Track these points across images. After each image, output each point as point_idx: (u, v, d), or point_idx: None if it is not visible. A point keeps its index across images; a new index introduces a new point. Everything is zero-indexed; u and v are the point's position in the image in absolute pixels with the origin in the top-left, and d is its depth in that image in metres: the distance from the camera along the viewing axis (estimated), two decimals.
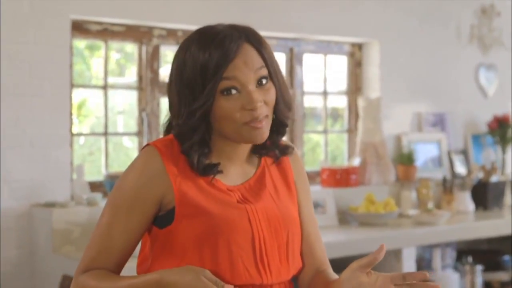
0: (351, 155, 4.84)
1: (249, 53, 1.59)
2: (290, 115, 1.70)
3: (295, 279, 1.75)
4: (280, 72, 1.66)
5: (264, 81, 1.60)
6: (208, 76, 1.56)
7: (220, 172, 1.64)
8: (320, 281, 1.72)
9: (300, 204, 1.75)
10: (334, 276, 1.72)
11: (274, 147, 1.72)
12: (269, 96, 1.61)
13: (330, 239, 3.84)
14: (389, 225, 4.18)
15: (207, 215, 1.59)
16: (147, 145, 1.66)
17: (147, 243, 1.67)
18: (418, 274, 1.53)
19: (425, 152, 4.93)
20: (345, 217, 4.30)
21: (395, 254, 3.98)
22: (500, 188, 4.88)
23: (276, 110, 1.65)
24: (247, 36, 1.60)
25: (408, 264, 4.00)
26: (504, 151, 5.20)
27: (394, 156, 4.76)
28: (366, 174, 4.56)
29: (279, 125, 1.69)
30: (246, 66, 1.58)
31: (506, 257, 4.67)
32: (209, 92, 1.56)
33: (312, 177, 4.65)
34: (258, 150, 1.72)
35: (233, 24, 1.63)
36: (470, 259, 4.49)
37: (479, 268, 4.44)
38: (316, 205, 4.20)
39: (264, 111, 1.60)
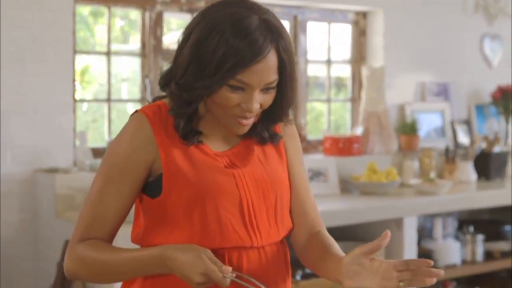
0: (354, 124, 4.84)
1: (270, 64, 1.57)
2: (288, 117, 1.72)
3: (288, 239, 1.77)
4: (294, 75, 1.64)
5: (269, 89, 1.61)
6: (224, 68, 1.55)
7: (200, 141, 1.65)
8: (316, 244, 1.72)
9: (290, 164, 1.76)
10: (330, 239, 1.73)
11: (265, 130, 1.72)
12: (267, 100, 1.62)
13: (331, 208, 3.86)
14: (390, 194, 4.19)
15: (194, 182, 1.61)
16: (136, 111, 1.67)
17: (140, 212, 1.69)
18: (422, 262, 1.51)
19: (428, 122, 4.92)
20: (347, 186, 4.31)
21: (397, 223, 4.00)
22: (502, 158, 4.88)
23: (276, 108, 1.66)
24: (278, 40, 1.58)
25: (409, 233, 4.02)
26: (507, 122, 5.19)
27: (397, 126, 4.76)
28: (369, 143, 4.57)
29: (275, 118, 1.70)
30: (261, 77, 1.57)
31: (507, 227, 4.68)
32: (218, 82, 1.56)
33: (315, 145, 4.66)
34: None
35: (269, 19, 1.59)
36: (471, 228, 4.50)
37: (480, 237, 4.45)
38: (318, 174, 4.21)
39: (256, 112, 1.62)
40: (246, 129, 1.66)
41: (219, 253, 1.61)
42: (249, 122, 1.64)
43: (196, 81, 1.58)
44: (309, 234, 1.75)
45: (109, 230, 1.64)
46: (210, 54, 1.55)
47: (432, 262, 1.52)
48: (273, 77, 1.59)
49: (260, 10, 1.60)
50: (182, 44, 1.61)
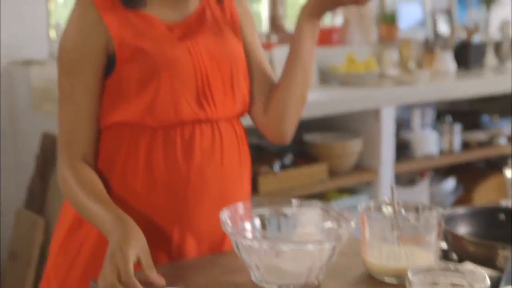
0: (334, 14, 4.77)
1: None
2: None
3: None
4: None
5: None
6: None
7: (143, 6, 1.62)
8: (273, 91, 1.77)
9: (245, 32, 1.76)
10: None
11: None
12: None
13: (310, 98, 3.80)
14: (369, 84, 4.18)
15: (147, 55, 1.57)
16: None
17: None
18: None
19: (408, 12, 4.87)
20: (326, 77, 4.29)
21: (375, 114, 4.00)
22: (482, 48, 4.86)
23: None
24: None
25: (387, 123, 4.03)
26: (488, 11, 5.14)
27: (377, 16, 4.70)
28: (348, 33, 4.52)
29: None
30: None
31: (485, 117, 4.72)
32: None
33: None
34: None
35: None
36: (449, 118, 4.53)
37: (457, 127, 4.48)
38: None
39: None
40: None
41: (171, 131, 1.60)
42: None
43: None
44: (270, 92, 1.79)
45: (91, 127, 1.62)
46: None
47: None
48: None
49: None
50: None
